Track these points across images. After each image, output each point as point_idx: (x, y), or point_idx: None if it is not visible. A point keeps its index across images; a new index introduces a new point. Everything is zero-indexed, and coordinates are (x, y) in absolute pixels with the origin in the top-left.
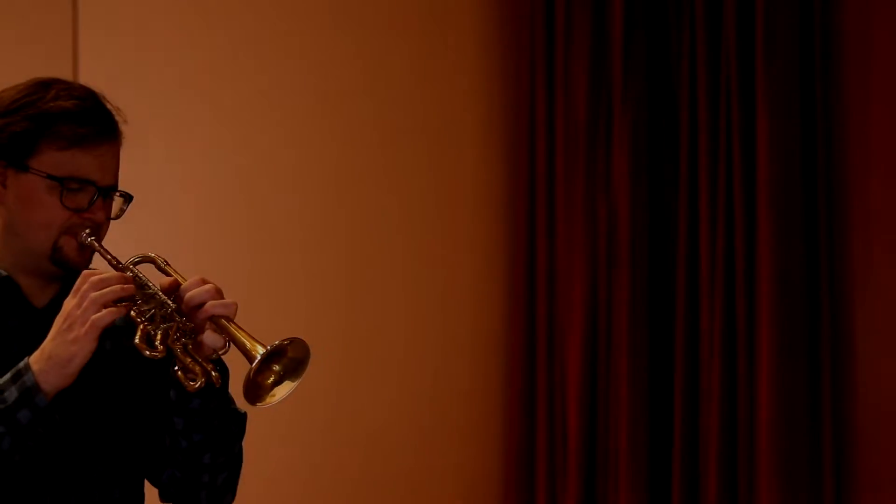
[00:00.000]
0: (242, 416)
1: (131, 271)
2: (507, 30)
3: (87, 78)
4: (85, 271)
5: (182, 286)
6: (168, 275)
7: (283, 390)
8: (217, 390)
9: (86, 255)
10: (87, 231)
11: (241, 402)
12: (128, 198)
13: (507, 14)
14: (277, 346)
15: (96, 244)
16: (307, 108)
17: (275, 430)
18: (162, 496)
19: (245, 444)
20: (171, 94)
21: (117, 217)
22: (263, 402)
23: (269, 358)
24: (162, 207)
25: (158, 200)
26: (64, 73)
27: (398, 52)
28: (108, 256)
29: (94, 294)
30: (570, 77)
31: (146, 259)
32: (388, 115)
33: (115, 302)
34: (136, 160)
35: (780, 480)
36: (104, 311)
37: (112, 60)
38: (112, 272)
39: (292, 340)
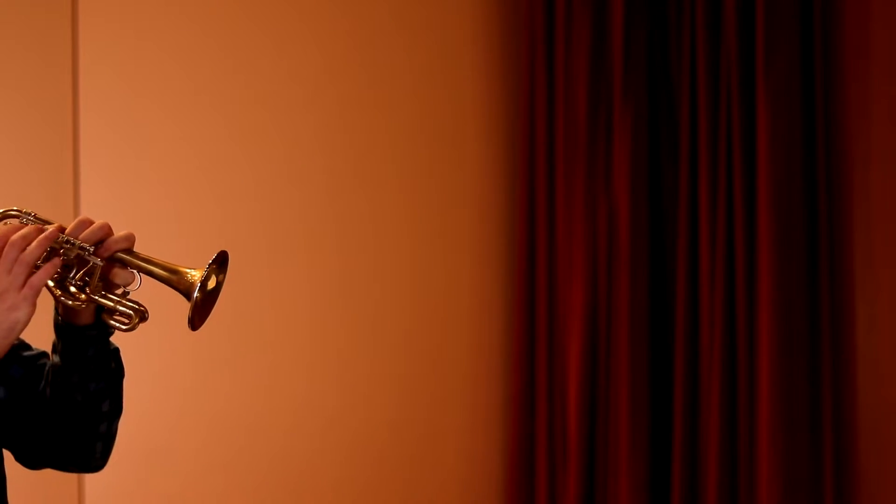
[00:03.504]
0: (118, 351)
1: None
2: (507, 30)
3: (87, 78)
4: None
5: (67, 230)
6: (44, 223)
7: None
8: (109, 332)
9: None
10: None
11: (184, 330)
12: None
13: (507, 14)
14: (209, 270)
15: None
16: (308, 109)
17: (274, 428)
18: (38, 462)
19: (244, 442)
20: (171, 94)
21: None
22: (203, 321)
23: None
24: (164, 206)
25: (160, 199)
26: (64, 73)
27: (398, 52)
28: None
29: (21, 255)
30: (570, 77)
31: (7, 216)
32: (388, 115)
33: (45, 254)
34: (138, 159)
35: (780, 480)
36: (39, 272)
37: (112, 60)
38: (17, 223)
39: (217, 260)
